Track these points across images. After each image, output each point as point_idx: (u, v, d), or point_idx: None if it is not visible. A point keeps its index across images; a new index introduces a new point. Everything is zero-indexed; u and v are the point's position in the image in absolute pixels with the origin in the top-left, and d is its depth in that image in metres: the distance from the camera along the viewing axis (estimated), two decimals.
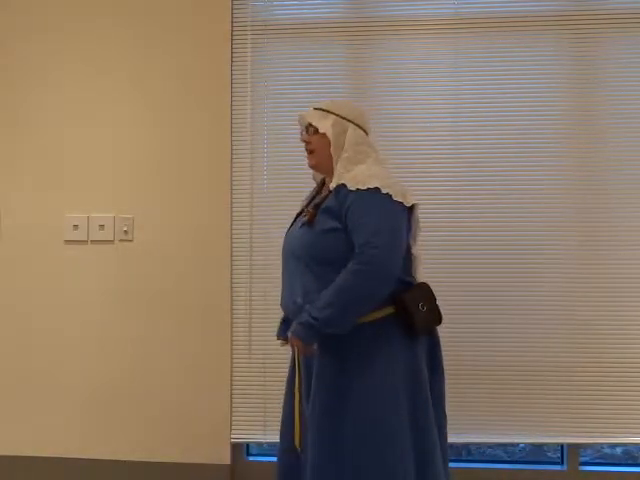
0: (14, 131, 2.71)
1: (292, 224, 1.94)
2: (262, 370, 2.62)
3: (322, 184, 1.97)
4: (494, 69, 2.57)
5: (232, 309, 2.63)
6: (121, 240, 2.65)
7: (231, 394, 2.62)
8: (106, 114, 2.67)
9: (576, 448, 2.59)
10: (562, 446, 2.63)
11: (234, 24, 2.65)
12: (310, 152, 1.88)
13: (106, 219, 2.65)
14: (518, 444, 3.00)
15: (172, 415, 2.63)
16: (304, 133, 1.90)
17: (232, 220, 2.64)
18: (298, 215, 1.94)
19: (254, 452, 2.79)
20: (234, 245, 2.64)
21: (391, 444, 1.71)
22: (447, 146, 2.57)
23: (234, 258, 2.63)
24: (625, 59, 2.53)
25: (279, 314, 2.60)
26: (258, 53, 2.65)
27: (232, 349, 2.63)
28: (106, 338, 2.65)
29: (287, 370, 2.02)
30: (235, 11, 2.65)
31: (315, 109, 1.87)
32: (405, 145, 2.57)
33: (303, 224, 1.81)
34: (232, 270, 2.63)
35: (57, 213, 2.67)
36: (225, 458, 2.61)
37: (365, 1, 2.63)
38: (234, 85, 2.65)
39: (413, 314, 1.74)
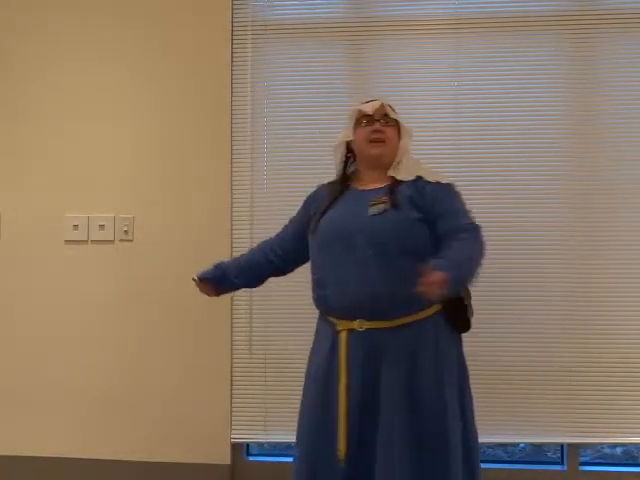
0: (14, 131, 2.70)
1: (327, 209, 1.88)
2: (262, 370, 2.62)
3: (344, 175, 1.97)
4: (494, 69, 2.57)
5: (232, 309, 2.63)
6: (121, 240, 2.65)
7: (231, 394, 2.62)
8: (106, 114, 2.67)
9: (576, 448, 2.59)
10: (562, 446, 2.63)
11: (234, 24, 2.65)
12: (381, 141, 1.87)
13: (106, 219, 2.65)
14: (518, 444, 3.00)
15: (172, 415, 2.62)
16: (372, 122, 1.87)
17: (232, 220, 2.64)
18: (333, 201, 1.89)
19: (254, 452, 2.79)
20: (234, 245, 2.63)
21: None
22: (447, 146, 2.57)
23: None
24: (625, 59, 2.53)
25: (279, 314, 2.62)
26: (258, 53, 2.65)
27: (232, 349, 2.63)
28: (106, 338, 2.65)
29: (302, 374, 1.94)
30: (235, 11, 2.65)
31: (387, 104, 1.91)
32: None
33: (380, 211, 1.78)
34: None
35: (57, 213, 2.67)
36: (225, 458, 2.61)
37: (365, 1, 2.63)
38: (234, 85, 2.64)
39: (467, 308, 1.82)
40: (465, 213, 1.83)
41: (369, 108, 1.89)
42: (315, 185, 1.97)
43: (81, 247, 2.66)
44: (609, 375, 2.50)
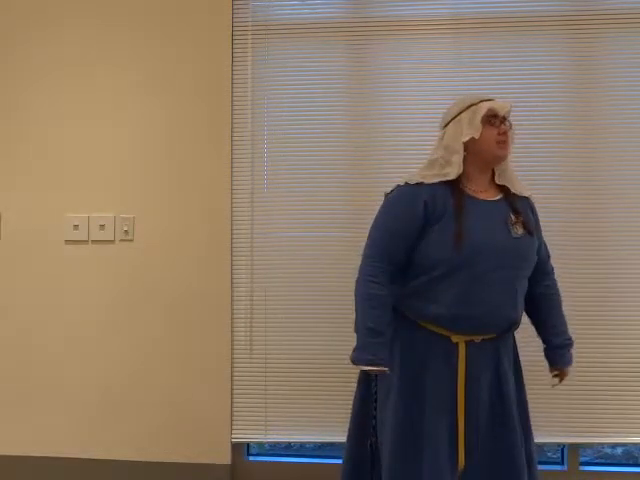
0: (14, 131, 2.70)
1: (461, 220, 1.73)
2: (263, 370, 2.62)
3: (458, 181, 1.79)
4: (494, 69, 2.57)
5: (233, 308, 2.63)
6: (122, 240, 2.65)
7: (232, 394, 2.62)
8: (106, 114, 2.67)
9: (576, 448, 2.59)
10: (562, 446, 2.63)
11: (235, 24, 2.65)
12: (507, 143, 1.80)
13: (106, 219, 2.65)
14: None
15: (172, 415, 2.62)
16: (505, 123, 1.80)
17: (232, 220, 2.63)
18: (460, 216, 1.74)
19: (254, 452, 2.79)
20: (234, 245, 2.63)
21: None
22: None
23: (234, 258, 2.63)
24: (625, 59, 2.53)
25: (279, 314, 2.62)
26: (258, 53, 2.65)
27: (233, 349, 2.63)
28: (106, 338, 2.65)
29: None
30: (236, 11, 2.65)
31: None
32: (405, 145, 2.57)
33: (521, 236, 1.79)
34: (232, 270, 2.63)
35: (57, 213, 2.67)
36: (225, 458, 2.61)
37: (365, 1, 2.63)
38: (234, 85, 2.65)
39: None
40: (546, 244, 1.96)
41: (501, 109, 1.79)
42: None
43: (81, 247, 2.66)
44: (609, 375, 2.51)
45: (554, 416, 2.52)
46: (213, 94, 2.63)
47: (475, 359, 1.77)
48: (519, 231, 1.78)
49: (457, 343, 1.76)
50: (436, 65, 2.58)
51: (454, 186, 1.77)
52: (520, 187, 1.87)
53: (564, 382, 1.97)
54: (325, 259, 2.57)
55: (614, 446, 3.07)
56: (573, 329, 2.48)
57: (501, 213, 1.79)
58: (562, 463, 2.63)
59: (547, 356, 1.94)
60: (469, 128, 1.77)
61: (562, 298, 2.52)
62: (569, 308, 2.50)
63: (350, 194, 2.60)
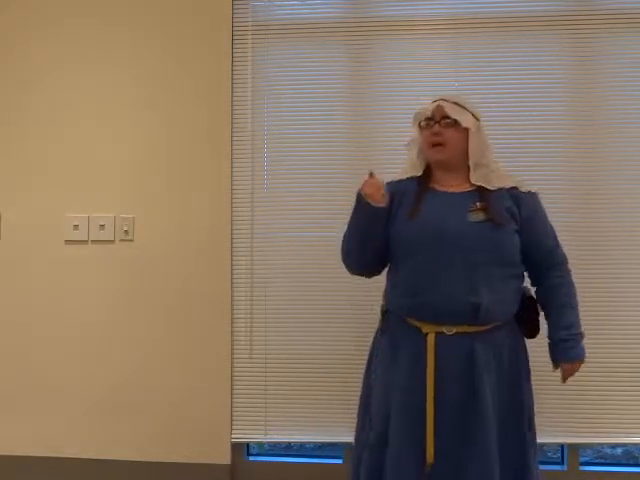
0: (14, 131, 2.70)
1: (417, 207, 1.80)
2: (263, 370, 2.62)
3: (427, 175, 1.88)
4: (493, 69, 2.57)
5: (233, 308, 2.63)
6: (122, 240, 2.65)
7: (231, 394, 2.62)
8: (106, 114, 2.67)
9: (576, 448, 2.59)
10: (562, 446, 2.63)
11: (235, 24, 2.65)
12: (439, 145, 1.80)
13: (106, 219, 2.65)
14: None
15: (172, 415, 2.62)
16: (432, 124, 1.82)
17: (232, 220, 2.64)
18: (419, 201, 1.81)
19: (254, 452, 2.79)
20: (234, 245, 2.64)
21: None
22: None
23: (234, 258, 2.63)
24: (625, 59, 2.53)
25: (279, 314, 2.62)
26: (258, 53, 2.65)
27: (233, 348, 2.63)
28: (106, 338, 2.65)
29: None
30: (236, 11, 2.65)
31: (452, 103, 1.82)
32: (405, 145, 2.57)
33: (481, 220, 1.75)
34: (232, 270, 2.63)
35: (57, 213, 2.67)
36: (225, 458, 2.61)
37: (365, 1, 2.63)
38: (235, 85, 2.65)
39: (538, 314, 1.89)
40: (554, 237, 1.89)
41: (424, 111, 1.83)
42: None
43: (81, 247, 2.66)
44: (609, 375, 2.51)
45: (554, 416, 2.52)
46: (213, 94, 2.63)
47: (445, 352, 1.75)
48: (479, 217, 1.75)
49: (427, 334, 1.76)
50: (435, 65, 2.58)
51: (420, 181, 1.88)
52: (498, 183, 1.81)
53: (572, 380, 1.94)
54: (325, 259, 2.56)
55: (614, 446, 3.07)
56: None
57: (462, 201, 1.80)
58: (562, 463, 2.64)
59: (549, 352, 1.91)
60: (414, 134, 1.91)
61: None
62: None
63: (350, 194, 2.57)
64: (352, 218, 1.86)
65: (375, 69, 2.61)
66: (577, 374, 2.49)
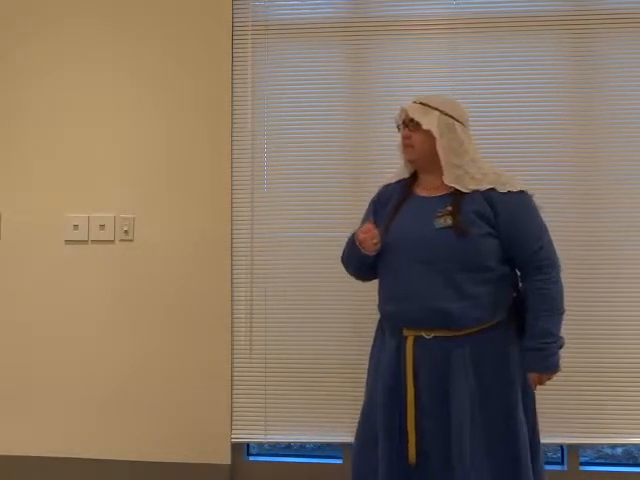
0: (14, 131, 2.70)
1: (394, 216, 1.84)
2: (263, 370, 2.62)
3: (413, 178, 1.92)
4: (493, 69, 2.57)
5: (233, 309, 2.63)
6: (122, 240, 2.65)
7: (231, 394, 2.62)
8: (106, 114, 2.67)
9: (576, 448, 2.59)
10: (562, 446, 2.63)
11: (235, 24, 2.65)
12: (409, 147, 1.83)
13: (106, 219, 2.65)
14: None
15: (172, 415, 2.63)
16: (403, 128, 1.86)
17: (232, 220, 2.64)
18: (395, 210, 1.85)
19: (254, 452, 2.79)
20: (234, 245, 2.64)
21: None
22: None
23: (234, 258, 2.63)
24: (625, 59, 2.53)
25: (279, 314, 2.62)
26: (258, 53, 2.65)
27: (233, 349, 2.63)
28: (106, 338, 2.65)
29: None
30: (236, 11, 2.66)
31: (418, 103, 1.82)
32: None
33: (447, 225, 1.73)
34: (232, 270, 2.63)
35: (57, 213, 2.67)
36: (225, 458, 2.61)
37: (364, 1, 2.64)
38: (235, 85, 2.65)
39: None
40: (539, 238, 1.77)
41: (397, 116, 1.89)
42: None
43: (81, 247, 2.66)
44: (609, 375, 2.51)
45: (554, 416, 2.51)
46: (213, 94, 2.63)
47: (423, 355, 1.76)
48: (446, 222, 1.74)
49: (407, 337, 1.78)
50: (435, 65, 2.59)
51: (405, 185, 1.91)
52: (473, 185, 1.77)
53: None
54: (325, 259, 2.57)
55: (614, 446, 3.06)
56: (573, 329, 2.51)
57: (433, 206, 1.79)
58: (562, 463, 2.63)
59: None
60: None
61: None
62: (569, 308, 2.51)
63: (350, 194, 2.60)
64: (347, 247, 1.94)
65: (374, 69, 2.61)
66: (577, 374, 2.52)
